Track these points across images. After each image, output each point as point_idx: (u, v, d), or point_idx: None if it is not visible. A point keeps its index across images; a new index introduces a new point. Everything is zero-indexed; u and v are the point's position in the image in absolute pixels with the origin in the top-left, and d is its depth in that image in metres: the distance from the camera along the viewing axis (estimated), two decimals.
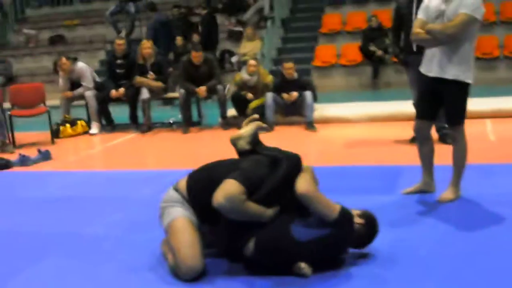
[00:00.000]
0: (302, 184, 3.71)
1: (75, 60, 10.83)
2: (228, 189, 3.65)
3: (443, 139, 7.49)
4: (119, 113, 11.24)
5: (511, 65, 13.38)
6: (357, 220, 3.85)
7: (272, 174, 3.78)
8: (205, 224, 4.00)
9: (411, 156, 6.79)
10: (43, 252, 4.58)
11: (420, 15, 5.13)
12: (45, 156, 8.23)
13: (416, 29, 5.09)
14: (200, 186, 3.91)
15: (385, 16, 14.08)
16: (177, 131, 10.08)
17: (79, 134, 10.31)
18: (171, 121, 10.77)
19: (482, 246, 4.14)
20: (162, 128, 10.59)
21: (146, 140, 9.55)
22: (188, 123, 10.06)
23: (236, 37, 15.88)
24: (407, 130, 7.83)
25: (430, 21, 5.02)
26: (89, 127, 10.50)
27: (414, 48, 7.05)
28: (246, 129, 4.13)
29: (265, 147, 4.09)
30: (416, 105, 5.37)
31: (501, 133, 8.12)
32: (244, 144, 4.10)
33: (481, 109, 9.06)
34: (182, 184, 4.06)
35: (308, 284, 3.64)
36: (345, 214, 3.76)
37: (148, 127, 10.19)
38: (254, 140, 4.11)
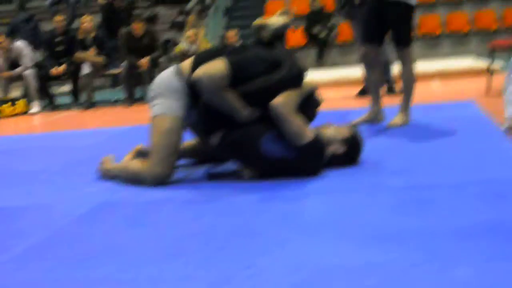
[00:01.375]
0: (279, 98, 3.48)
1: (13, 38, 10.49)
2: (213, 66, 3.47)
3: (390, 90, 7.42)
4: (61, 95, 10.98)
5: (454, 40, 13.49)
6: (337, 147, 3.67)
7: (267, 75, 3.54)
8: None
9: (359, 103, 6.75)
10: None
11: None
12: None
13: None
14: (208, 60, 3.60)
15: (327, 0, 14.06)
16: (120, 107, 9.80)
17: (19, 114, 9.95)
18: (114, 99, 10.49)
19: (434, 145, 4.17)
20: (104, 106, 10.30)
21: (88, 114, 9.26)
22: (131, 98, 9.79)
23: (179, 27, 15.69)
24: (354, 91, 7.79)
25: None
26: (30, 107, 10.15)
27: (357, 1, 6.99)
28: (276, 20, 3.85)
29: (281, 46, 3.81)
30: (362, 31, 5.27)
31: (447, 87, 8.10)
32: (265, 35, 3.81)
33: (426, 69, 9.05)
34: (186, 66, 3.73)
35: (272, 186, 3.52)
36: (316, 144, 3.55)
37: (90, 103, 9.89)
38: (278, 34, 3.83)
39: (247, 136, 3.54)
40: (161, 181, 3.65)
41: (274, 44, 3.77)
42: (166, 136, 3.65)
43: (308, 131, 3.52)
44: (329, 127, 3.72)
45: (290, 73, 3.57)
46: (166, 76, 3.78)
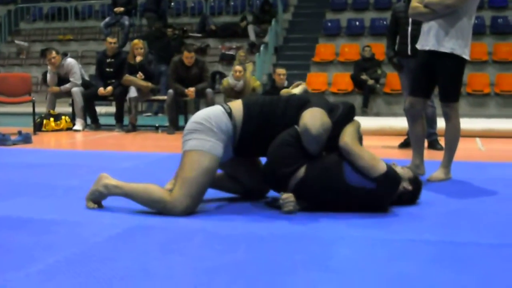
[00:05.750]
0: (345, 137, 3.72)
1: (65, 55, 10.66)
2: (323, 118, 3.69)
3: (433, 145, 7.35)
4: (105, 116, 11.12)
5: (501, 102, 13.38)
6: (406, 185, 3.91)
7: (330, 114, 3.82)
8: (242, 157, 4.01)
9: (401, 154, 6.71)
10: (14, 194, 4.40)
11: None
12: (26, 138, 8.02)
13: (414, 3, 5.01)
14: (262, 110, 3.86)
15: (379, 49, 14.08)
16: (162, 133, 9.88)
17: (62, 130, 10.08)
18: (157, 125, 10.58)
19: (473, 203, 4.09)
20: (147, 130, 10.40)
21: (129, 137, 9.35)
22: (174, 125, 9.84)
23: (228, 60, 15.86)
24: (396, 141, 7.75)
25: None
26: (74, 124, 10.29)
27: (409, 52, 7.01)
28: (297, 89, 4.21)
29: None
30: (410, 83, 5.26)
31: (491, 146, 8.00)
32: None
33: (471, 127, 8.95)
34: (236, 109, 3.86)
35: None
36: (390, 175, 3.73)
37: (133, 126, 9.98)
38: None
39: (331, 168, 3.73)
40: (187, 213, 3.65)
41: None
42: (204, 174, 3.68)
43: (380, 163, 3.70)
44: (396, 166, 3.93)
45: (346, 107, 3.92)
46: (216, 114, 3.82)
